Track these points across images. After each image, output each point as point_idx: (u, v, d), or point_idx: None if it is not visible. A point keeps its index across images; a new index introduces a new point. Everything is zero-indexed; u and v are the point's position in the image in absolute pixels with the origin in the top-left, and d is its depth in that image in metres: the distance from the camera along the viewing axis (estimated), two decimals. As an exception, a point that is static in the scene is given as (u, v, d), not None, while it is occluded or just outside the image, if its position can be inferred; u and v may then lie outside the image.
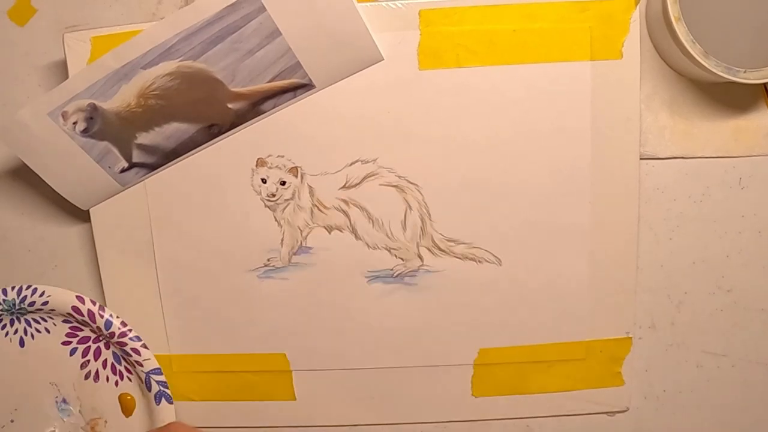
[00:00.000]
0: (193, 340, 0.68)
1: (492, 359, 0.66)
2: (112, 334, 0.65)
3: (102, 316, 0.65)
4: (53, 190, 0.65)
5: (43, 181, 0.65)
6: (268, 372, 0.68)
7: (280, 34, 0.59)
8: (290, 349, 0.67)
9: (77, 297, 0.65)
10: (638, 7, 0.61)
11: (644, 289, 0.67)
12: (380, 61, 0.61)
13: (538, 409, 0.67)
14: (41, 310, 0.66)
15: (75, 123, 0.61)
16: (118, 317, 0.65)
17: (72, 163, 0.63)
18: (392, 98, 0.62)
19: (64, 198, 0.66)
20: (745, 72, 0.57)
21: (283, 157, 0.64)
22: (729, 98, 0.64)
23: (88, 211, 0.67)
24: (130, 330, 0.65)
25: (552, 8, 0.61)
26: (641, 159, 0.64)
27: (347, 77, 0.62)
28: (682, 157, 0.65)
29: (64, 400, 0.68)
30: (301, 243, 0.65)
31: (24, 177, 0.68)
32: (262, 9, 0.58)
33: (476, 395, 0.67)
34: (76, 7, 0.67)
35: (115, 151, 0.63)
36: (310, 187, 0.64)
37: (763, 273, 0.66)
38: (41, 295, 0.65)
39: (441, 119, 0.62)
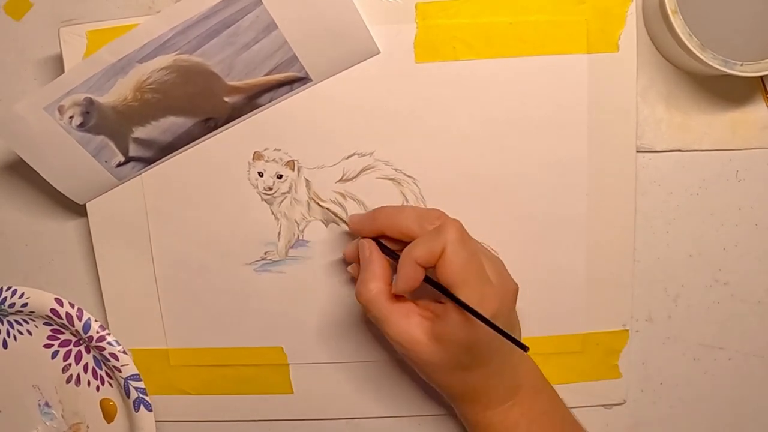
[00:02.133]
0: (191, 334, 0.68)
1: None
2: (91, 338, 0.65)
3: (80, 319, 0.65)
4: (50, 184, 0.65)
5: (40, 175, 0.64)
6: (265, 365, 0.68)
7: (277, 27, 0.59)
8: (287, 343, 0.67)
9: (56, 299, 0.65)
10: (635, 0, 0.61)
11: (641, 282, 0.66)
12: (377, 54, 0.61)
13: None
14: (21, 312, 0.66)
15: (71, 117, 0.61)
16: (96, 321, 0.65)
17: (68, 158, 0.63)
18: (389, 91, 0.62)
19: (60, 193, 0.65)
20: (742, 65, 0.57)
21: (279, 150, 0.64)
22: (726, 91, 0.64)
23: (84, 206, 0.66)
24: (108, 334, 0.65)
25: (548, 1, 0.60)
26: (638, 152, 0.64)
27: (344, 70, 0.62)
28: (679, 150, 0.65)
29: (46, 404, 0.68)
30: (298, 236, 0.65)
31: (20, 172, 0.68)
32: (258, 2, 0.58)
33: None
34: (72, 1, 0.66)
35: (112, 145, 0.63)
36: (306, 180, 0.64)
37: (760, 265, 0.66)
38: (20, 297, 0.65)
39: (438, 112, 0.62)
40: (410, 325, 0.56)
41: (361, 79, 0.62)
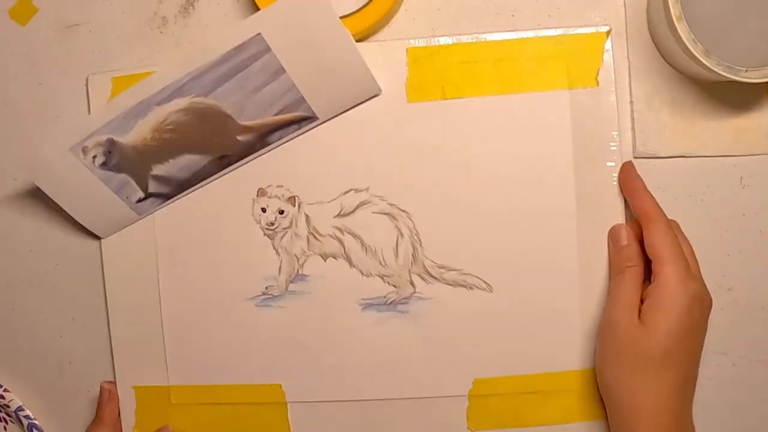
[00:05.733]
0: (193, 371, 0.68)
1: (487, 390, 0.64)
2: None
3: None
4: None
5: None
6: (262, 404, 0.67)
7: (285, 71, 0.61)
8: (286, 380, 0.67)
9: None
10: (610, 37, 0.62)
11: None
12: (379, 93, 0.63)
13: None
14: None
15: (94, 157, 0.63)
16: None
17: (92, 195, 0.65)
18: (382, 129, 0.64)
19: None
20: (746, 71, 0.56)
21: (282, 187, 0.65)
22: (730, 97, 0.62)
23: None
24: None
25: (529, 43, 0.62)
26: (642, 158, 0.63)
27: (348, 109, 0.63)
28: (683, 156, 0.64)
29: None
30: (298, 271, 0.65)
31: (25, 179, 0.69)
32: (267, 49, 0.60)
33: (472, 429, 0.65)
34: (77, 7, 0.67)
35: (132, 182, 0.65)
36: (306, 215, 0.65)
37: (764, 272, 0.64)
38: None
39: (429, 149, 0.63)
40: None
41: (357, 118, 0.63)
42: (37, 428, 0.70)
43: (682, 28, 0.55)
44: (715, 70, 0.55)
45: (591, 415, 0.64)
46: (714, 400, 0.66)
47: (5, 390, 0.70)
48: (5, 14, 0.68)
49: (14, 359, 0.72)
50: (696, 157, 0.63)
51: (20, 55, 0.68)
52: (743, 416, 0.66)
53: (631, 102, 0.63)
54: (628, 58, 0.63)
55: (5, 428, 0.72)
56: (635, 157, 0.63)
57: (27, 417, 0.70)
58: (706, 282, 0.63)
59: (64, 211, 0.67)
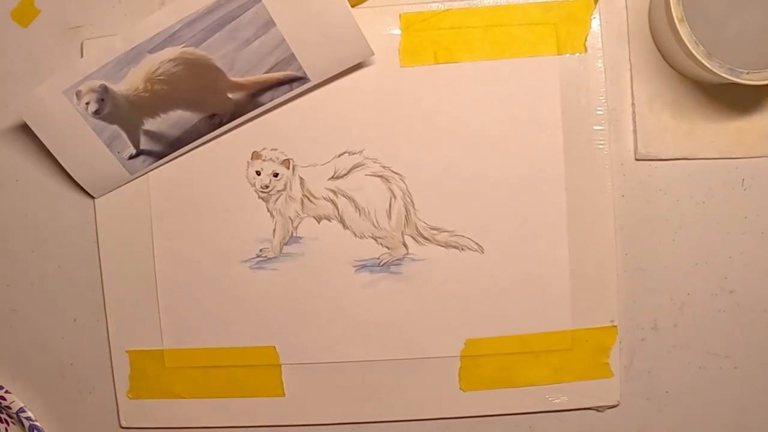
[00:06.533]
0: (187, 334, 0.68)
1: (479, 350, 0.65)
2: None
3: None
4: (55, 192, 0.66)
5: (45, 183, 0.66)
6: (256, 366, 0.67)
7: (275, 24, 0.61)
8: (280, 342, 0.67)
9: None
10: (598, 5, 0.63)
11: (647, 290, 0.65)
12: (371, 55, 0.63)
13: (526, 405, 0.66)
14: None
15: (87, 103, 0.63)
16: None
17: (84, 145, 0.64)
18: (377, 93, 0.65)
19: (66, 198, 0.67)
20: (748, 73, 0.56)
21: (276, 150, 0.65)
22: (732, 99, 0.63)
23: (90, 212, 0.67)
24: None
25: (519, 9, 0.64)
26: (644, 160, 0.63)
27: (340, 71, 0.63)
28: (685, 159, 0.64)
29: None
30: (292, 233, 0.66)
31: (26, 178, 0.69)
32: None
33: (464, 389, 0.66)
34: (79, 7, 0.67)
35: (124, 136, 0.65)
36: (300, 178, 0.65)
37: (766, 274, 0.64)
38: None
39: (422, 112, 0.65)
40: None
41: (351, 82, 0.64)
42: (38, 429, 0.70)
43: (683, 30, 0.56)
44: (717, 72, 0.56)
45: (582, 375, 0.65)
46: (716, 402, 0.65)
47: (6, 392, 0.69)
48: (7, 15, 0.67)
49: (16, 361, 0.71)
50: (697, 159, 0.63)
51: (22, 56, 0.68)
52: (745, 419, 0.65)
53: (633, 104, 0.64)
54: (629, 59, 0.64)
55: (6, 430, 0.71)
56: (637, 159, 0.64)
57: (28, 418, 0.69)
58: (707, 285, 0.64)
59: (66, 212, 0.68)
